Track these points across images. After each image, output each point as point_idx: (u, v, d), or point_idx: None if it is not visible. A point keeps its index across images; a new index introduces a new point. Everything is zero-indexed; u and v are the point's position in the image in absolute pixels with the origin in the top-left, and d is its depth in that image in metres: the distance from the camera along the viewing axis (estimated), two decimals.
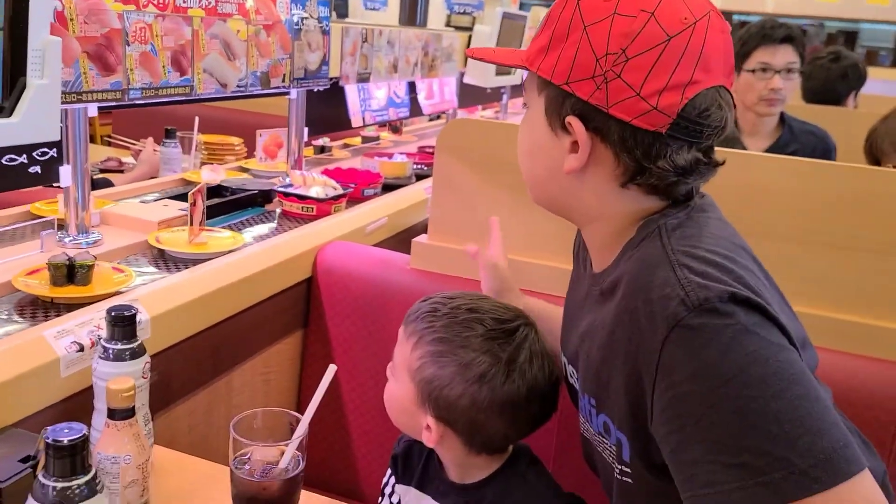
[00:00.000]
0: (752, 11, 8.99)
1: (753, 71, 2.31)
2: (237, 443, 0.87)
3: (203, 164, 2.68)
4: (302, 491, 1.01)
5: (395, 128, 3.24)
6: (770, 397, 0.67)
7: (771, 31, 2.29)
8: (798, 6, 8.73)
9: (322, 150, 2.82)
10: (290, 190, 1.81)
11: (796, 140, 2.40)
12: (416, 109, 2.78)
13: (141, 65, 1.13)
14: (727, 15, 9.31)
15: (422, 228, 1.64)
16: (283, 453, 0.88)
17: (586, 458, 1.00)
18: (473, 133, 1.46)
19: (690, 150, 0.79)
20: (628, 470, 0.85)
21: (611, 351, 0.80)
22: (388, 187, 2.14)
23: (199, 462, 1.10)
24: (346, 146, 2.95)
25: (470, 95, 3.19)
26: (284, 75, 1.49)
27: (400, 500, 1.15)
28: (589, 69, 0.77)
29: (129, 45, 1.09)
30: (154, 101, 1.15)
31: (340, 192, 1.85)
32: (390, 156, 2.40)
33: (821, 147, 2.42)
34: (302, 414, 0.94)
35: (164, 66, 1.16)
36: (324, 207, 1.78)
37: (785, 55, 2.29)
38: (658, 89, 0.75)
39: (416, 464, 1.11)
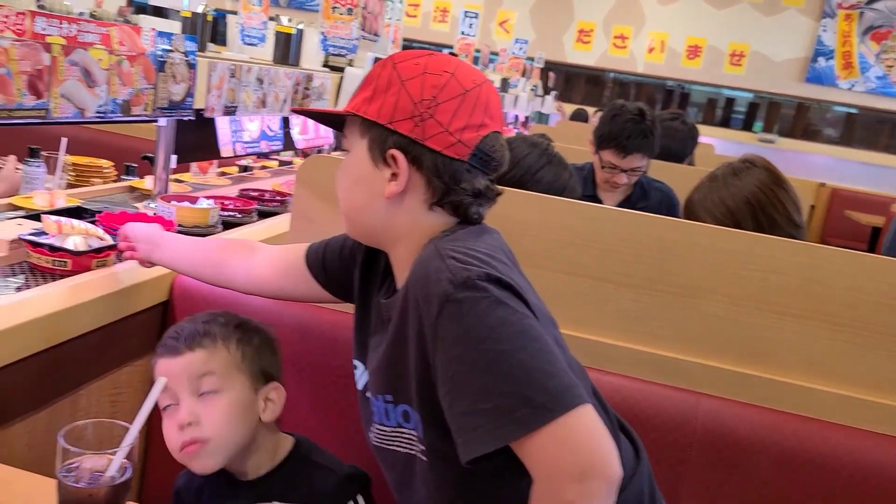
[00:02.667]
0: (624, 71, 9.64)
1: (603, 166, 2.47)
2: (65, 452, 0.90)
3: (70, 185, 2.63)
4: None
5: (306, 154, 3.35)
6: (515, 350, 0.85)
7: (626, 142, 2.39)
8: (665, 69, 9.44)
9: (245, 169, 2.91)
10: (41, 239, 1.48)
11: (646, 196, 2.60)
12: (289, 143, 2.85)
13: None
14: (603, 72, 9.92)
15: None
16: (111, 462, 0.92)
17: (388, 469, 1.12)
18: (329, 169, 1.55)
19: (483, 179, 1.01)
20: (424, 447, 0.99)
21: (401, 342, 0.97)
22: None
23: (32, 476, 1.11)
24: (263, 168, 3.07)
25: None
26: (147, 104, 1.54)
27: None
28: (408, 111, 0.97)
29: None
30: (7, 122, 1.18)
31: (107, 243, 1.53)
32: (194, 200, 1.99)
33: (666, 202, 2.64)
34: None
35: (18, 89, 1.19)
36: (82, 262, 1.47)
37: (632, 161, 2.43)
38: (461, 127, 0.97)
39: (202, 484, 1.21)
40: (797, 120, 9.58)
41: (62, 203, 1.86)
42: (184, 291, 1.60)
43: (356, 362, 1.16)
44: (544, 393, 0.84)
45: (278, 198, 2.37)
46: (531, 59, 7.57)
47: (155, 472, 1.60)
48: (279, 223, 2.12)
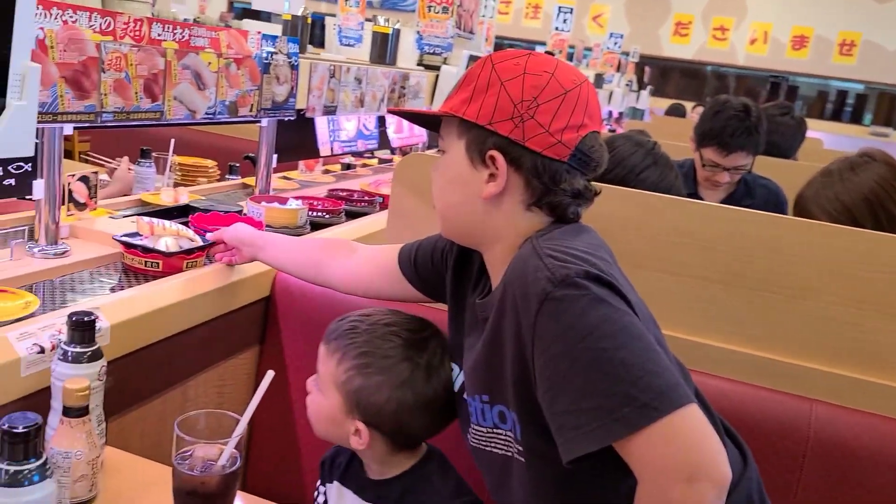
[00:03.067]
0: (724, 64, 9.30)
1: (704, 165, 2.35)
2: (180, 440, 0.94)
3: (176, 184, 2.76)
4: (248, 496, 1.09)
5: (405, 152, 3.44)
6: (617, 348, 0.83)
7: (729, 140, 2.25)
8: (768, 61, 9.04)
9: (348, 167, 3.03)
10: (134, 241, 1.50)
11: (751, 194, 2.45)
12: (385, 142, 2.89)
13: (115, 90, 1.22)
14: (701, 66, 9.61)
15: None
16: (222, 451, 0.95)
17: (485, 470, 1.10)
18: (426, 167, 1.55)
19: (582, 179, 0.99)
20: (521, 448, 0.98)
21: (497, 342, 0.96)
22: None
23: (149, 463, 1.16)
24: (364, 166, 3.20)
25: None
26: (252, 105, 1.58)
27: (326, 500, 1.23)
28: (508, 112, 0.96)
29: (104, 72, 1.18)
30: (125, 124, 1.24)
31: (197, 244, 1.55)
32: (283, 201, 1.98)
33: (773, 200, 2.49)
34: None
35: (136, 93, 1.25)
36: (173, 263, 1.49)
37: (735, 160, 2.29)
38: (561, 128, 0.96)
39: (340, 462, 1.21)
40: None
41: (185, 199, 2.01)
42: (285, 287, 1.64)
43: (452, 364, 1.16)
44: (649, 391, 0.81)
45: (367, 198, 2.38)
46: (626, 53, 7.41)
47: (258, 463, 1.65)
48: (376, 221, 2.16)
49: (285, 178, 2.65)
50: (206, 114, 1.45)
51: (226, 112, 1.50)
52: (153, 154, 2.57)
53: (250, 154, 2.79)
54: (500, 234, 1.02)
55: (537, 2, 9.98)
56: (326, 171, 2.91)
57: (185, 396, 1.48)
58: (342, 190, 2.43)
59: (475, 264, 1.13)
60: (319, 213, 2.07)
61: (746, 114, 2.29)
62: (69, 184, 1.66)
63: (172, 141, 2.59)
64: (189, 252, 1.52)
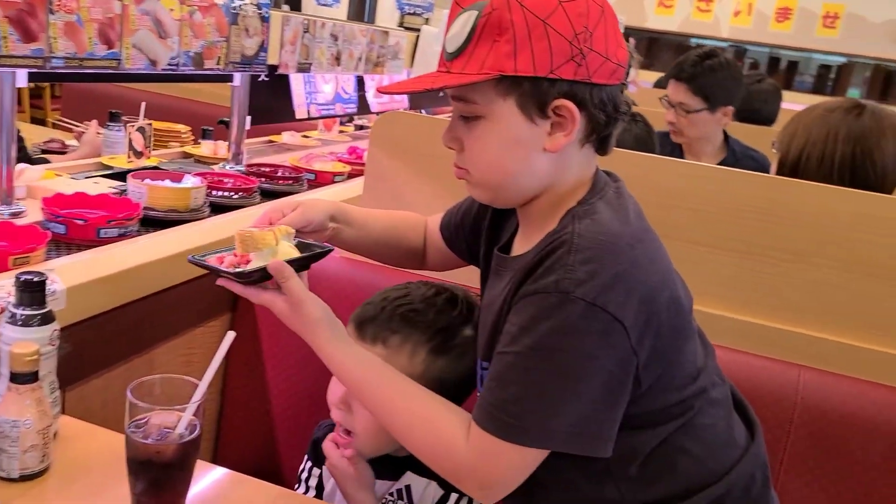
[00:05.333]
0: (707, 36, 9.22)
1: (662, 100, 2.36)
2: (133, 406, 0.88)
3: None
4: (217, 468, 1.03)
5: None
6: (556, 374, 0.83)
7: (679, 66, 2.30)
8: (752, 33, 8.98)
9: (361, 128, 3.07)
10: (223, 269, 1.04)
11: (738, 164, 2.42)
12: (364, 107, 2.81)
13: (65, 34, 1.14)
14: (685, 38, 9.52)
15: None
16: (180, 419, 0.89)
17: None
18: (405, 126, 1.49)
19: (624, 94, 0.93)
20: None
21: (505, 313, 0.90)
22: (157, 223, 1.51)
23: (107, 433, 1.11)
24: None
25: (424, 96, 3.23)
26: (219, 58, 1.50)
27: (319, 482, 1.17)
28: (567, 53, 0.85)
29: (52, 13, 1.10)
30: (79, 71, 1.16)
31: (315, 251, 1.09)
32: (178, 178, 1.65)
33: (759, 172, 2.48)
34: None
35: (90, 38, 1.17)
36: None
37: (676, 94, 2.31)
38: (615, 49, 0.88)
39: None
40: None
41: (223, 153, 2.16)
42: None
43: None
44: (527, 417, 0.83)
45: (293, 175, 2.07)
46: None
47: (230, 435, 1.60)
48: (352, 187, 2.09)
49: (305, 136, 2.74)
50: (170, 65, 1.37)
51: (190, 63, 1.42)
52: (123, 118, 2.48)
53: (225, 119, 2.71)
54: (550, 184, 0.93)
55: None
56: (342, 132, 2.97)
57: (151, 365, 1.42)
58: (266, 165, 2.13)
59: (511, 219, 1.04)
60: (226, 193, 1.75)
61: (708, 56, 2.28)
62: (129, 133, 1.90)
63: (143, 104, 2.51)
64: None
